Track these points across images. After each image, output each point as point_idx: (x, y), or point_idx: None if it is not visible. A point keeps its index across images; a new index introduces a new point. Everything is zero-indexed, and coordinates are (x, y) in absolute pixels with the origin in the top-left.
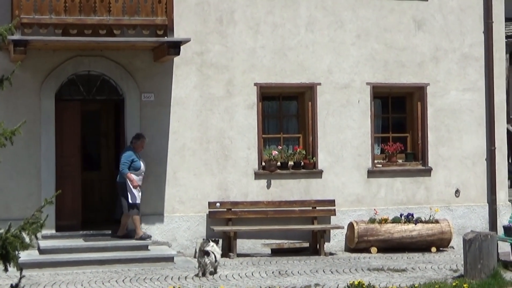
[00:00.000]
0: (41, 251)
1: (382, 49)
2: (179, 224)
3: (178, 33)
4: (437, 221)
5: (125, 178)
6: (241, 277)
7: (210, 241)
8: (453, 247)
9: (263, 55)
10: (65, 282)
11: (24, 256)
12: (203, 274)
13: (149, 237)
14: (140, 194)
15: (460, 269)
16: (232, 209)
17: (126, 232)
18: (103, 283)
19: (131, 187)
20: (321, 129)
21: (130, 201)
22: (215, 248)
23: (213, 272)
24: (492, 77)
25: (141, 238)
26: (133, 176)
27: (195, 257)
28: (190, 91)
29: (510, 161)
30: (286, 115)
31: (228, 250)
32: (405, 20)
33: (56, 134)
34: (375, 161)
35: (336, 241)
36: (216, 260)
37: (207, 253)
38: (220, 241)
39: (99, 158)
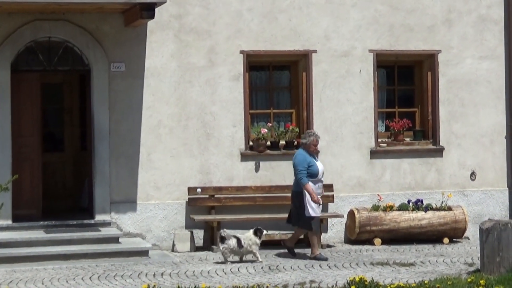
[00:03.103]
0: None
1: (387, 11)
2: (155, 213)
3: None
4: (450, 208)
5: (302, 187)
6: (225, 273)
7: (258, 230)
8: (468, 238)
9: (250, 19)
10: (23, 280)
11: None
12: (225, 261)
13: (326, 259)
14: (320, 206)
15: (476, 263)
16: (215, 196)
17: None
18: (67, 281)
19: (309, 200)
20: (317, 104)
21: (306, 214)
22: (248, 236)
23: (239, 260)
24: None
25: (316, 258)
26: (312, 187)
27: (172, 250)
28: (166, 61)
29: None
30: (276, 87)
31: (210, 242)
32: None
33: (12, 111)
34: (379, 140)
35: (335, 231)
36: (241, 246)
37: (222, 239)
38: (264, 232)
39: (62, 138)
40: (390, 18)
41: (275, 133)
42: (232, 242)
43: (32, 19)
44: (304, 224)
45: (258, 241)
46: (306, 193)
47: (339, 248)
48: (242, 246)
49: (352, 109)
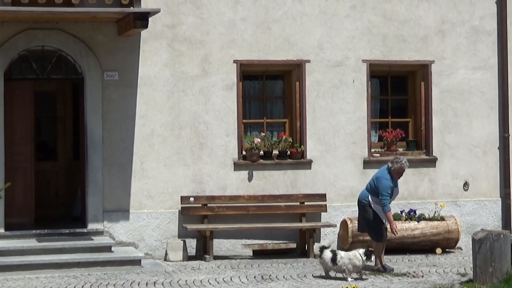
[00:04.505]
0: None
1: (380, 21)
2: (147, 222)
3: (146, 3)
4: (442, 218)
5: (370, 201)
6: (218, 282)
7: (369, 251)
8: (460, 248)
9: (243, 28)
10: None
11: None
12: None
13: (392, 269)
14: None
15: (469, 273)
16: (208, 205)
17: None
18: None
19: (382, 215)
20: (310, 113)
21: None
22: (349, 254)
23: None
24: (506, 54)
25: (379, 270)
26: (392, 217)
27: (165, 259)
28: (159, 70)
29: None
30: (270, 97)
31: (203, 251)
32: None
33: (5, 119)
34: (372, 150)
35: (328, 241)
36: (335, 264)
37: (320, 251)
38: (372, 258)
39: (55, 147)
40: (383, 29)
41: (268, 142)
42: (327, 257)
43: (25, 28)
44: (373, 234)
45: (359, 263)
46: (377, 205)
47: None
48: (336, 264)
49: (345, 119)
